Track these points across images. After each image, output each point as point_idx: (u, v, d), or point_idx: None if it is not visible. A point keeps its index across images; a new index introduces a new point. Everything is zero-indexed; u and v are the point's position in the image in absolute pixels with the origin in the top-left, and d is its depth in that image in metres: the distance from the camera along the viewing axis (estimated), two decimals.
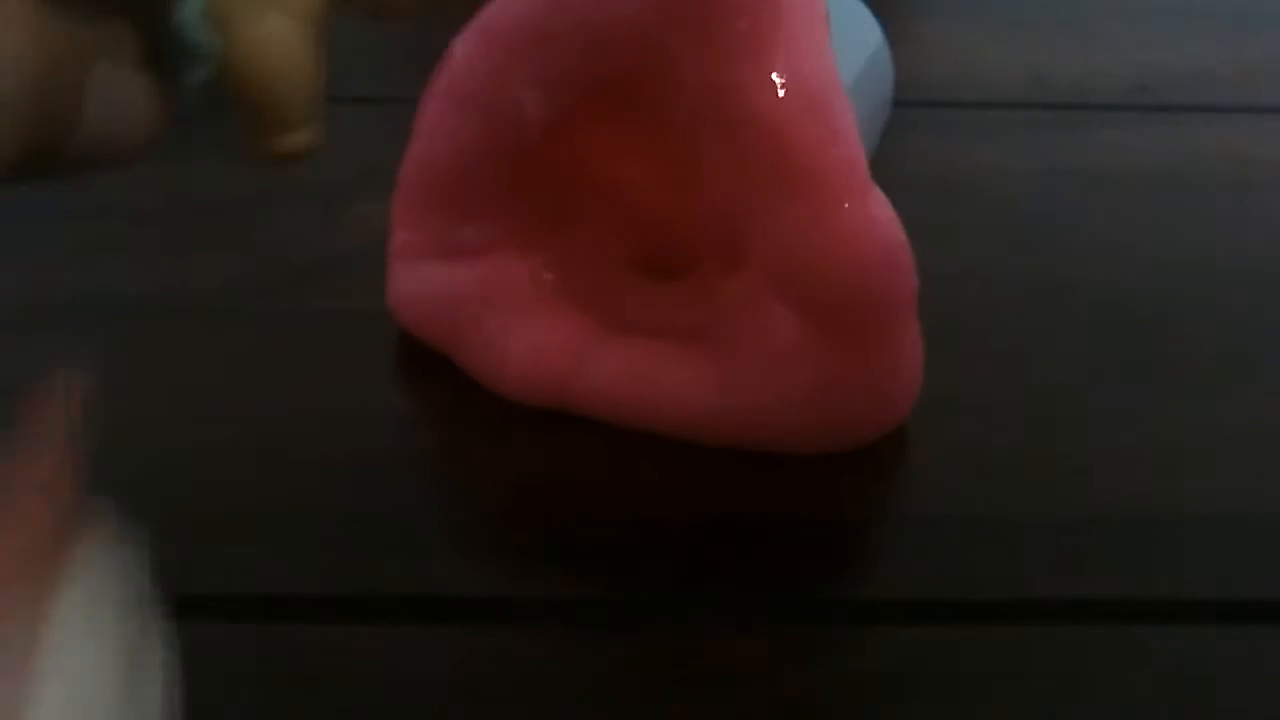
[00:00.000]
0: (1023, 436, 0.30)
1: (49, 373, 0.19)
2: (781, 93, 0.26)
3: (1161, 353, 0.33)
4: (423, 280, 0.31)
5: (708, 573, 0.26)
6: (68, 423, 0.19)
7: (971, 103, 0.45)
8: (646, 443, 0.29)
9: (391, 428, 0.30)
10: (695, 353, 0.29)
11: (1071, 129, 0.43)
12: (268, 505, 0.28)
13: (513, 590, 0.26)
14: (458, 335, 0.31)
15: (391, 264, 0.32)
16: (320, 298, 0.34)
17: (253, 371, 0.31)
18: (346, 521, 0.27)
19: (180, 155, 0.42)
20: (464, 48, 0.29)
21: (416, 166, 0.31)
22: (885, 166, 0.33)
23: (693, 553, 0.27)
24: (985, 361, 0.32)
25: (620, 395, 0.29)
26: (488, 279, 0.31)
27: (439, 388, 0.31)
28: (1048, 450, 0.29)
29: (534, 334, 0.30)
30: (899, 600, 0.26)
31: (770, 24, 0.26)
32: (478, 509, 0.28)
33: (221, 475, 0.28)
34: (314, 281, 0.35)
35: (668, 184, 0.31)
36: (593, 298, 0.31)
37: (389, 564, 0.26)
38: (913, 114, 0.43)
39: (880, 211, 0.26)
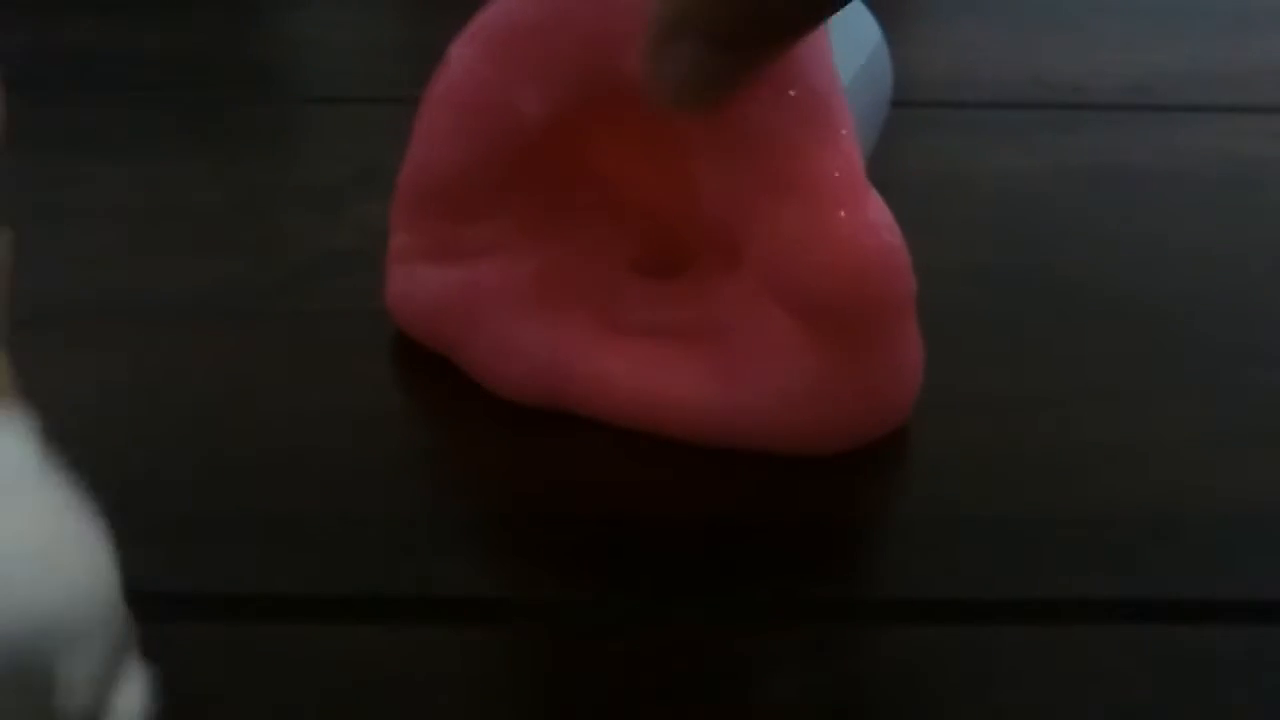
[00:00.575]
0: (1023, 436, 0.30)
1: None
2: (779, 95, 0.26)
3: (1163, 352, 0.33)
4: (421, 282, 0.31)
5: (708, 573, 0.26)
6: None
7: (971, 103, 0.45)
8: (646, 443, 0.29)
9: (391, 428, 0.30)
10: (695, 353, 0.29)
11: (1071, 129, 0.43)
12: (267, 505, 0.28)
13: (512, 590, 0.26)
14: (457, 337, 0.31)
15: (390, 266, 0.32)
16: (320, 298, 0.34)
17: (252, 371, 0.31)
18: (346, 521, 0.27)
19: (180, 155, 0.42)
20: (460, 51, 0.29)
21: (415, 171, 0.31)
22: (885, 166, 0.33)
23: (693, 553, 0.27)
24: (985, 361, 0.32)
25: (620, 396, 0.29)
26: (487, 281, 0.31)
27: (438, 388, 0.31)
28: (1049, 449, 0.29)
29: (533, 334, 0.30)
30: (899, 600, 0.26)
31: None
32: (477, 509, 0.28)
33: (220, 475, 0.28)
34: (314, 281, 0.35)
35: (666, 185, 0.31)
36: (592, 298, 0.31)
37: (389, 564, 0.26)
38: (913, 114, 0.43)
39: (877, 217, 0.26)
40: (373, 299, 0.33)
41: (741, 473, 0.28)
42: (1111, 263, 0.36)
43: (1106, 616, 0.25)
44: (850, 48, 0.32)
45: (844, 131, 0.26)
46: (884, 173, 0.30)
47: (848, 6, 0.24)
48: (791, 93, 0.25)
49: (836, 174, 0.26)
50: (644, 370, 0.29)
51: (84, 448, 0.29)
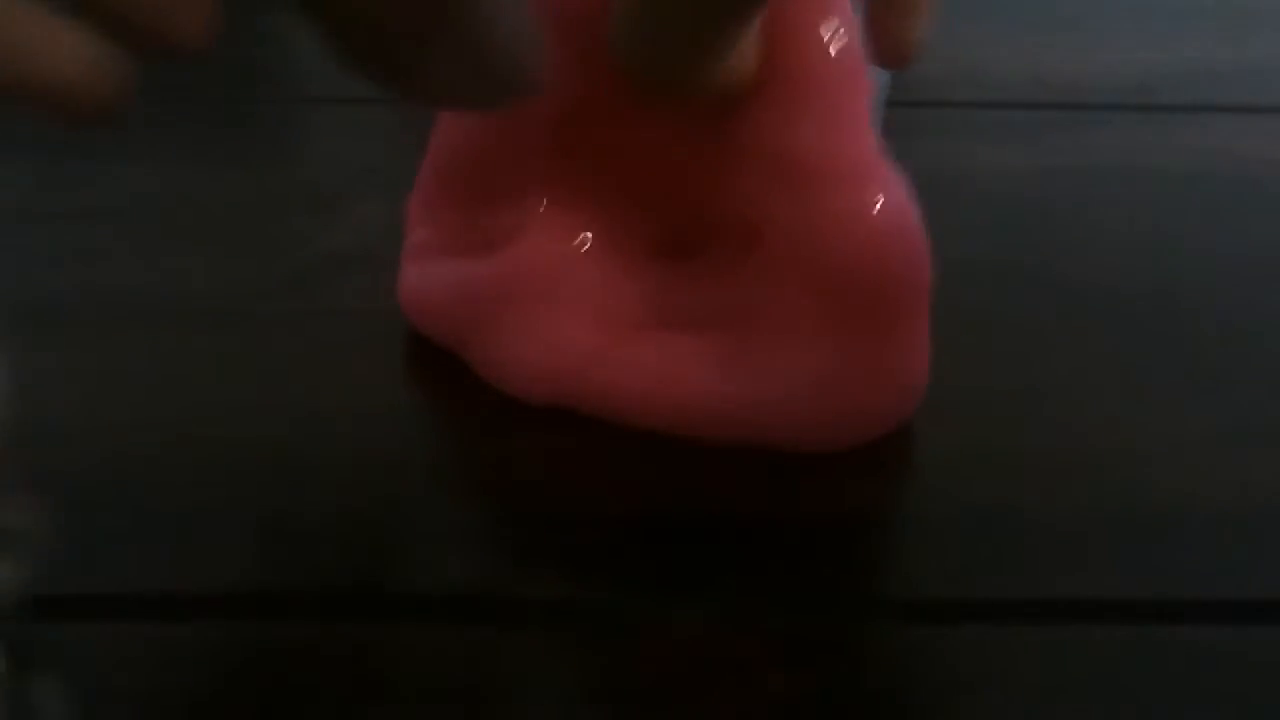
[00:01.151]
0: (1025, 435, 0.30)
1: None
2: (805, 74, 0.26)
3: (1163, 351, 0.33)
4: (437, 277, 0.31)
5: (709, 572, 0.26)
6: None
7: (971, 103, 0.45)
8: (647, 443, 0.29)
9: (390, 428, 0.30)
10: (706, 345, 0.29)
11: (1071, 129, 0.43)
12: (267, 505, 0.28)
13: (512, 590, 0.26)
14: (470, 332, 0.31)
15: (405, 263, 0.32)
16: (320, 298, 0.34)
17: (252, 371, 0.31)
18: (346, 521, 0.27)
19: (180, 156, 0.42)
20: None
21: (439, 154, 0.31)
22: None
23: (694, 552, 0.27)
24: (987, 360, 0.32)
25: (630, 392, 0.29)
26: (504, 272, 0.30)
27: (438, 388, 0.31)
28: (1050, 448, 0.29)
29: (546, 331, 0.30)
30: (902, 599, 0.26)
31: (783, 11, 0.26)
32: (478, 509, 0.28)
33: (220, 475, 0.28)
34: (314, 281, 0.35)
35: (688, 170, 0.31)
36: (608, 287, 0.31)
37: (389, 564, 0.26)
38: (913, 114, 0.43)
39: (902, 199, 0.26)
40: (372, 299, 0.33)
41: (743, 473, 0.28)
42: (1111, 262, 0.36)
43: (1106, 616, 0.25)
44: None
45: (867, 115, 0.26)
46: None
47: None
48: (818, 71, 0.26)
49: (864, 155, 0.26)
50: (654, 367, 0.29)
51: (84, 447, 0.29)
